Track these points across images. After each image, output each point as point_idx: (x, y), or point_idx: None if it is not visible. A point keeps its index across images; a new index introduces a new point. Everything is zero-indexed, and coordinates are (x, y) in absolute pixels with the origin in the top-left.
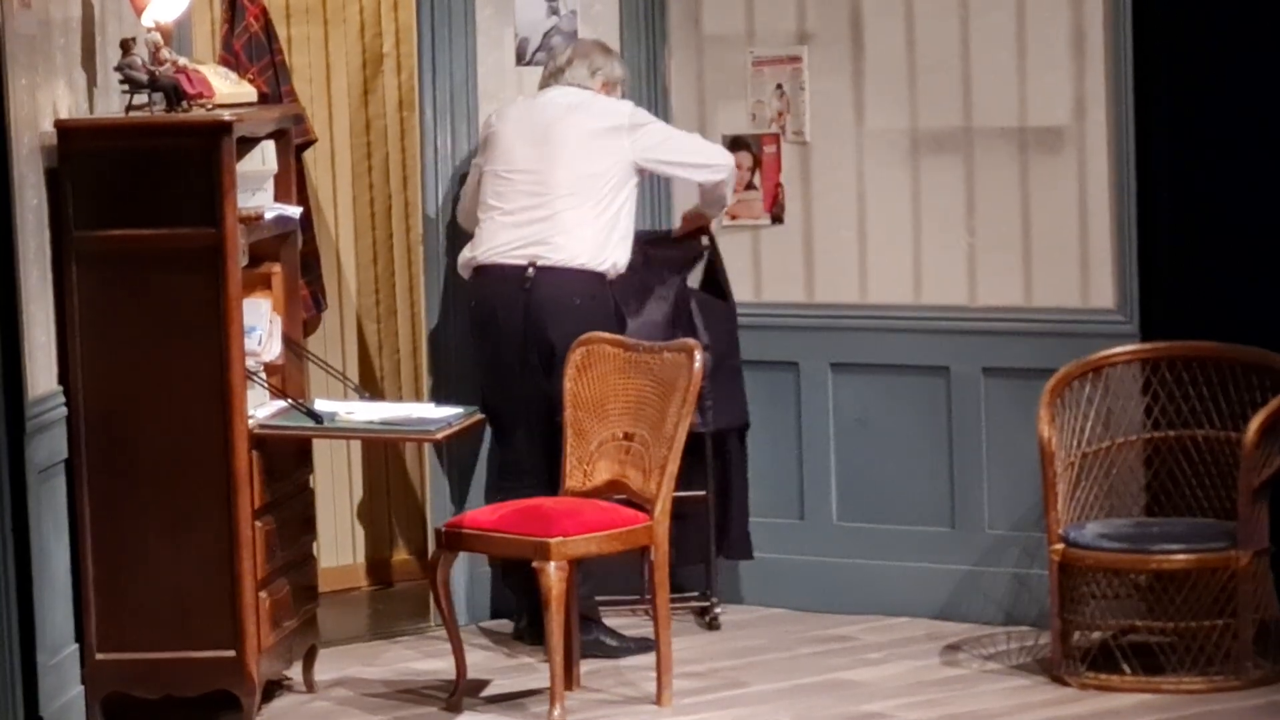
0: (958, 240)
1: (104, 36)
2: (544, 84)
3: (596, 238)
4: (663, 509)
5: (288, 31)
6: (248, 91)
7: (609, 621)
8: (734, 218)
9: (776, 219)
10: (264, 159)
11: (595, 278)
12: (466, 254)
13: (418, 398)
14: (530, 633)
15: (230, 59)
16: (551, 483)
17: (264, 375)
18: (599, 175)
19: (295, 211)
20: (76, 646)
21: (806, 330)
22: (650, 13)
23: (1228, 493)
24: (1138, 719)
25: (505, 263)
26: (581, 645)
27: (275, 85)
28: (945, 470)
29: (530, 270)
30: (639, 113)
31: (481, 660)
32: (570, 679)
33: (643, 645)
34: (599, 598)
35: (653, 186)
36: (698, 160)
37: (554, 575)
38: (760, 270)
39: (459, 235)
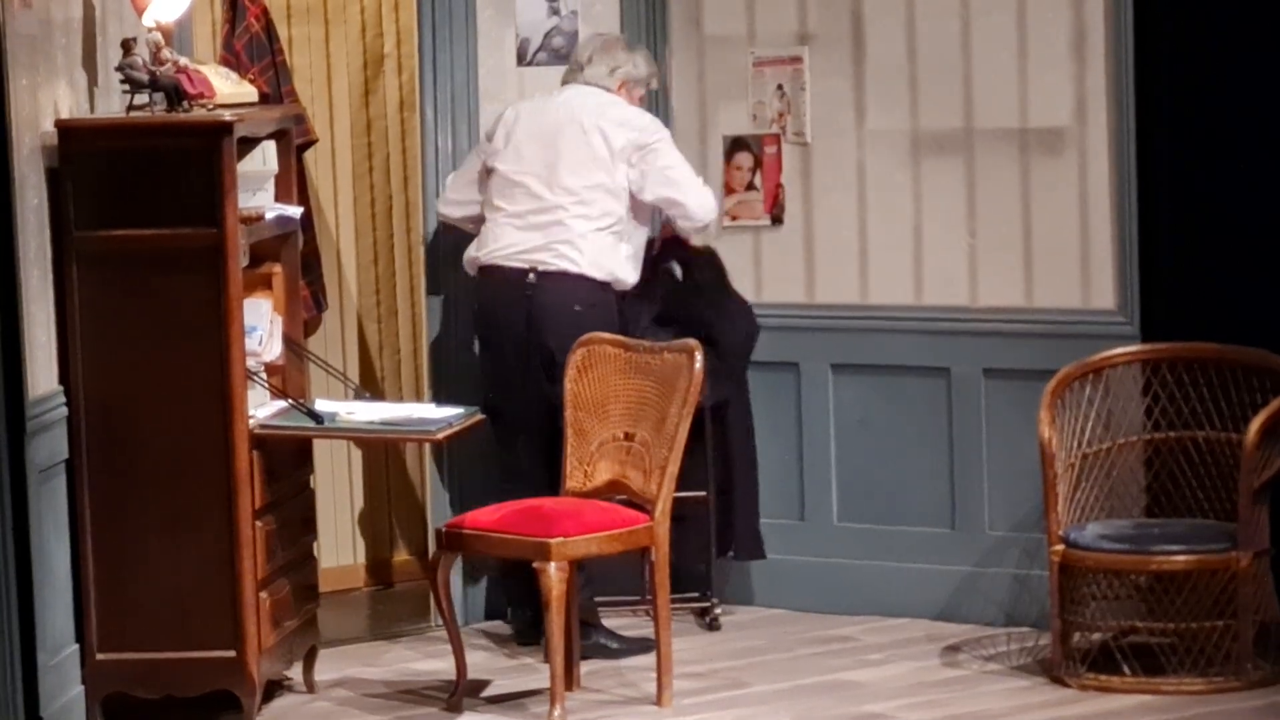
0: (958, 241)
1: (105, 36)
2: (565, 80)
3: (600, 246)
4: (663, 510)
5: (288, 32)
6: (248, 92)
7: (609, 622)
8: (734, 218)
9: (776, 220)
10: (265, 159)
11: (597, 285)
12: (471, 252)
13: (418, 398)
14: (528, 634)
15: (231, 59)
16: (553, 487)
17: (264, 375)
18: (602, 185)
19: (296, 212)
20: (77, 646)
21: (807, 331)
22: (651, 13)
23: (1228, 494)
24: None
25: (508, 266)
26: (582, 649)
27: (276, 85)
28: (946, 471)
29: (531, 275)
30: (650, 131)
31: (482, 661)
32: (570, 679)
33: (643, 646)
34: (599, 599)
35: None
36: (680, 200)
37: (554, 576)
38: (761, 271)
39: (460, 235)
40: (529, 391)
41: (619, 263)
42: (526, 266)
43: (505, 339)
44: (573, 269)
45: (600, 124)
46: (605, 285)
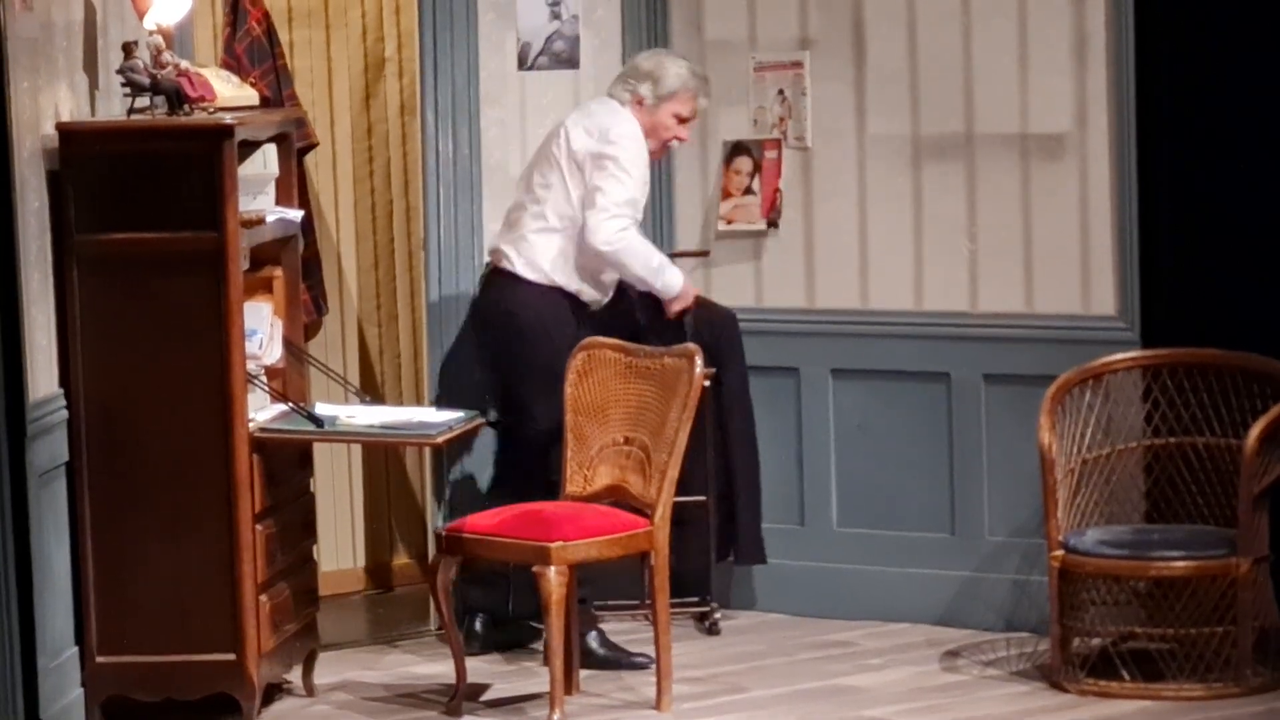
0: (959, 246)
1: (106, 39)
2: None
3: (542, 248)
4: (663, 514)
5: (289, 35)
6: (249, 95)
7: (609, 627)
8: (729, 222)
9: (773, 224)
10: (265, 163)
11: (538, 288)
12: None
13: (418, 402)
14: (492, 639)
15: (232, 62)
16: (500, 481)
17: (265, 379)
18: (555, 186)
19: (296, 215)
20: (77, 649)
21: (807, 336)
22: (652, 17)
23: (1228, 500)
24: None
25: (488, 261)
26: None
27: (277, 89)
28: (945, 476)
29: (484, 271)
30: (612, 147)
31: (481, 665)
32: (570, 684)
33: (634, 663)
34: (598, 603)
35: (654, 207)
36: (587, 217)
37: (554, 580)
38: (761, 275)
39: (460, 240)
40: (494, 388)
41: (559, 268)
42: (481, 263)
43: (477, 334)
44: (509, 267)
45: (571, 127)
46: (546, 289)
